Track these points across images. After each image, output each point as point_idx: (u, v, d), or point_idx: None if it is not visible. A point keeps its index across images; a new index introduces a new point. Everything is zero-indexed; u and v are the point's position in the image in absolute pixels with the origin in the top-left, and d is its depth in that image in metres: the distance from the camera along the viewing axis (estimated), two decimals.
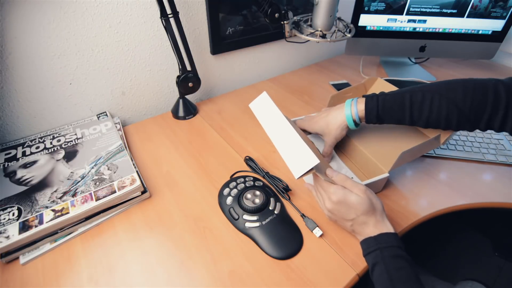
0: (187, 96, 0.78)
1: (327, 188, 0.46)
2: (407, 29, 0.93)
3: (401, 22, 0.92)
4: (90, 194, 0.50)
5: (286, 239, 0.47)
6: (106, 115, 0.72)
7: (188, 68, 0.72)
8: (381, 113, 0.52)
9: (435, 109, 0.48)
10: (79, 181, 0.53)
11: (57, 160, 0.57)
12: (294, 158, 0.46)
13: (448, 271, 0.61)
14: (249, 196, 0.52)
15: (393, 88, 0.62)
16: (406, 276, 0.38)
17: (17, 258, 0.45)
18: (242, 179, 0.56)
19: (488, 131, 0.70)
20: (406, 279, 0.38)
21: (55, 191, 0.51)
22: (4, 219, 0.45)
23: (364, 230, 0.44)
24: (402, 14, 0.90)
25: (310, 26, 0.74)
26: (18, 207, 0.47)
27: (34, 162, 0.57)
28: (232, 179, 0.57)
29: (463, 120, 0.48)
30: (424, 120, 0.50)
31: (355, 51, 0.98)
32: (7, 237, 0.43)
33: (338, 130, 0.57)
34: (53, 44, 0.60)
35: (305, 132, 0.66)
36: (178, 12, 0.64)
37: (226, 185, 0.56)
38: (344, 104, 0.56)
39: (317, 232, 0.48)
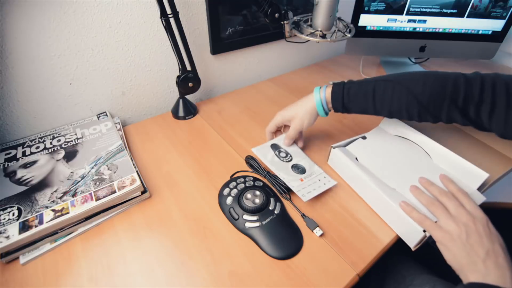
0: (187, 96, 0.78)
1: (474, 206, 0.42)
2: (407, 29, 0.93)
3: (401, 22, 0.92)
4: (90, 194, 0.50)
5: (286, 239, 0.47)
6: (106, 115, 0.72)
7: (188, 68, 0.72)
8: (346, 101, 0.52)
9: (395, 100, 0.49)
10: (79, 181, 0.53)
11: (57, 160, 0.57)
12: (402, 227, 0.48)
13: (450, 271, 0.61)
14: (249, 196, 0.52)
15: None
16: None
17: (17, 258, 0.45)
18: (242, 179, 0.56)
19: None
20: None
21: (55, 191, 0.51)
22: (4, 219, 0.45)
23: (490, 266, 0.37)
24: (402, 14, 0.90)
25: (310, 26, 0.74)
26: (18, 207, 0.47)
27: (34, 162, 0.57)
28: (232, 179, 0.57)
29: (423, 111, 0.48)
30: (387, 110, 0.50)
31: (355, 51, 0.98)
32: (7, 237, 0.43)
33: (306, 115, 0.57)
34: (53, 44, 0.60)
35: (278, 132, 0.67)
36: (178, 12, 0.64)
37: (226, 185, 0.56)
38: (313, 91, 0.57)
39: (318, 232, 0.48)
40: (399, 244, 0.49)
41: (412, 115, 0.49)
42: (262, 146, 0.64)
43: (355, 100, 0.52)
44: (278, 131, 0.67)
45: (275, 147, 0.64)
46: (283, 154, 0.63)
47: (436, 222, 0.43)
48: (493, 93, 0.44)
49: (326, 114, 0.57)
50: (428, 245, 0.46)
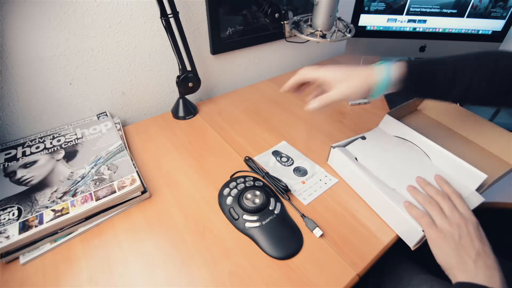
0: (187, 96, 0.78)
1: (465, 206, 0.44)
2: (407, 29, 0.93)
3: (401, 22, 0.92)
4: (90, 194, 0.50)
5: (286, 239, 0.47)
6: (106, 115, 0.72)
7: (188, 68, 0.72)
8: (423, 80, 0.46)
9: (479, 75, 0.44)
10: (79, 181, 0.53)
11: (57, 160, 0.57)
12: (401, 227, 0.48)
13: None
14: (249, 196, 0.52)
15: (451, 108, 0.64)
16: None
17: (17, 258, 0.45)
18: (242, 179, 0.56)
19: None
20: None
21: (55, 191, 0.51)
22: (4, 219, 0.45)
23: (480, 267, 0.38)
24: (402, 14, 0.90)
25: (310, 26, 0.74)
26: (18, 207, 0.47)
27: (34, 162, 0.57)
28: (232, 179, 0.57)
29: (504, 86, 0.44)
30: (464, 87, 0.45)
31: (355, 51, 0.97)
32: (7, 237, 0.43)
33: (363, 85, 0.47)
34: (53, 44, 0.60)
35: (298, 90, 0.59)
36: (178, 12, 0.64)
37: (226, 185, 0.56)
38: (376, 65, 0.48)
39: (317, 232, 0.48)
40: (397, 244, 0.50)
41: (491, 92, 0.45)
42: (264, 154, 0.65)
43: (431, 81, 0.46)
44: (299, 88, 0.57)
45: (276, 153, 0.65)
46: (284, 159, 0.63)
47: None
48: None
49: (380, 95, 0.48)
50: (426, 245, 0.46)
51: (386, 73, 0.47)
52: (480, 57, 0.46)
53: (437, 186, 0.50)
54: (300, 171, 0.61)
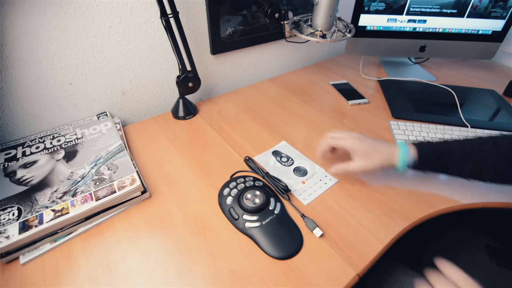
0: (187, 96, 0.78)
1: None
2: (407, 29, 0.93)
3: (401, 22, 0.92)
4: (90, 194, 0.50)
5: (286, 239, 0.47)
6: (106, 115, 0.72)
7: (188, 68, 0.72)
8: (433, 161, 0.52)
9: (483, 158, 0.50)
10: (79, 181, 0.53)
11: (57, 160, 0.57)
12: None
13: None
14: (249, 196, 0.52)
15: None
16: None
17: (17, 258, 0.45)
18: (242, 179, 0.56)
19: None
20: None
21: (55, 191, 0.51)
22: (4, 219, 0.45)
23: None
24: (402, 14, 0.90)
25: (310, 26, 0.74)
26: (18, 207, 0.47)
27: (34, 162, 0.57)
28: (232, 179, 0.57)
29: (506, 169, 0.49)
30: (468, 169, 0.50)
31: (355, 51, 0.98)
32: (7, 237, 0.43)
33: (378, 164, 0.53)
34: (53, 44, 0.60)
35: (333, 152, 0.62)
36: (178, 12, 0.64)
37: (226, 185, 0.56)
38: (396, 144, 0.55)
39: (317, 232, 0.48)
40: (395, 247, 0.50)
41: (497, 174, 0.50)
42: (264, 154, 0.65)
43: (446, 162, 0.52)
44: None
45: (276, 153, 0.65)
46: (284, 159, 0.63)
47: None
48: None
49: (402, 170, 0.53)
50: (427, 245, 0.46)
51: (405, 152, 0.52)
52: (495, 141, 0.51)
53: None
54: (300, 171, 0.61)
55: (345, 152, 0.57)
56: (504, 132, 0.70)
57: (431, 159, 0.52)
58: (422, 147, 0.53)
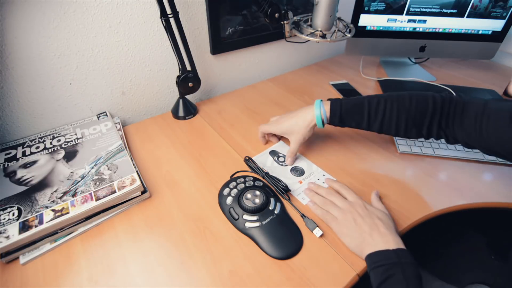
0: (187, 96, 0.78)
1: (356, 196, 0.52)
2: (407, 29, 0.93)
3: (401, 22, 0.92)
4: (90, 194, 0.50)
5: (286, 239, 0.47)
6: (106, 115, 0.72)
7: (188, 68, 0.72)
8: (343, 114, 0.56)
9: (388, 112, 0.53)
10: (79, 181, 0.53)
11: (57, 160, 0.57)
12: None
13: (450, 273, 0.61)
14: (249, 196, 0.52)
15: None
16: None
17: (17, 258, 0.45)
18: (242, 179, 0.56)
19: None
20: None
21: (55, 191, 0.51)
22: (4, 219, 0.45)
23: (376, 237, 0.44)
24: (402, 14, 0.90)
25: (310, 26, 0.74)
26: (18, 207, 0.47)
27: (34, 162, 0.57)
28: (232, 179, 0.57)
29: (410, 124, 0.53)
30: (379, 122, 0.54)
31: (355, 51, 0.98)
32: (7, 237, 0.43)
33: (307, 128, 0.59)
34: (53, 44, 0.60)
35: (272, 137, 0.69)
36: (178, 12, 0.64)
37: (226, 185, 0.56)
38: (312, 106, 0.59)
39: (317, 232, 0.48)
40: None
41: (400, 128, 0.54)
42: (261, 154, 0.65)
43: (351, 114, 0.56)
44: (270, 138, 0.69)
45: (273, 153, 0.65)
46: (281, 159, 0.63)
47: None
48: (460, 111, 0.51)
49: (323, 125, 0.59)
50: (427, 246, 0.46)
51: (317, 111, 0.57)
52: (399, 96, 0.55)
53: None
54: (297, 171, 0.61)
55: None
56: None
57: (342, 113, 0.56)
58: (333, 101, 0.57)
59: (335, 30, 0.74)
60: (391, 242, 0.43)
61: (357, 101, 0.56)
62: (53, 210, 0.47)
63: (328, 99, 0.58)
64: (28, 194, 0.50)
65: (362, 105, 0.55)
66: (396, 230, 0.47)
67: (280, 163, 0.62)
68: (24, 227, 0.44)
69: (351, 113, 0.56)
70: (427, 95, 0.53)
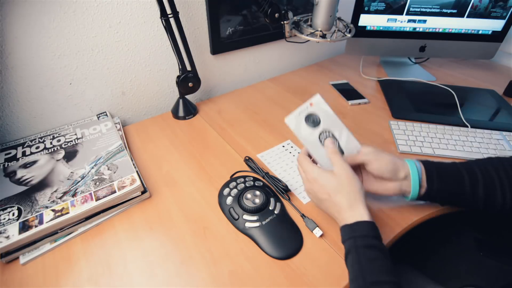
0: (187, 96, 0.78)
1: (306, 167, 0.48)
2: (407, 29, 0.93)
3: (401, 22, 0.92)
4: (90, 194, 0.50)
5: (286, 239, 0.47)
6: (106, 115, 0.72)
7: (188, 68, 0.72)
8: (439, 178, 0.47)
9: (486, 173, 0.47)
10: (79, 181, 0.53)
11: (57, 160, 0.57)
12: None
13: (447, 274, 0.61)
14: (249, 196, 0.52)
15: None
16: (378, 267, 0.38)
17: (17, 258, 0.45)
18: (242, 179, 0.56)
19: (485, 131, 0.70)
20: (378, 270, 0.37)
21: (55, 191, 0.51)
22: (4, 219, 0.45)
23: (340, 214, 0.43)
24: (402, 14, 0.90)
25: (310, 26, 0.74)
26: (18, 207, 0.47)
27: (34, 162, 0.57)
28: (232, 179, 0.57)
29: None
30: (482, 186, 0.46)
31: (355, 51, 0.98)
32: (7, 237, 0.43)
33: (392, 177, 0.48)
34: (53, 44, 0.60)
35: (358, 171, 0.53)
36: (178, 12, 0.64)
37: (226, 185, 0.56)
38: (404, 160, 0.48)
39: (317, 232, 0.48)
40: (397, 252, 0.50)
41: (505, 191, 0.46)
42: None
43: (449, 176, 0.48)
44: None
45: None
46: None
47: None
48: None
49: (413, 197, 0.48)
50: (427, 246, 0.46)
51: (414, 168, 0.48)
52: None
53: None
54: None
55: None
56: (504, 133, 0.70)
57: (438, 176, 0.47)
58: (426, 164, 0.48)
59: (335, 30, 0.74)
60: (349, 217, 0.42)
61: (443, 162, 0.49)
62: (53, 210, 0.47)
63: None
64: (28, 194, 0.50)
65: (453, 164, 0.48)
66: (359, 192, 0.43)
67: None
68: (24, 227, 0.44)
69: (449, 172, 0.47)
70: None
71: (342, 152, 0.50)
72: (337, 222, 0.45)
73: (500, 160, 0.48)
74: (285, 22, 0.73)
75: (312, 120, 0.50)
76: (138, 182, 0.52)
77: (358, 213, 0.42)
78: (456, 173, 0.48)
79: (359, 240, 0.40)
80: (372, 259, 0.38)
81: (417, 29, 0.93)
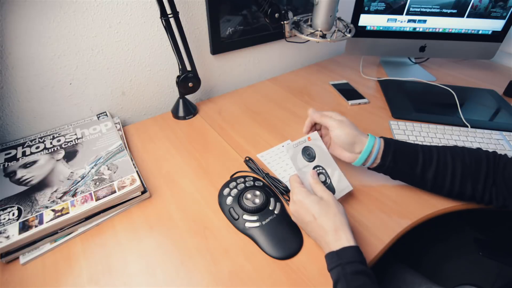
0: (187, 96, 0.78)
1: (294, 188, 0.48)
2: (407, 29, 0.93)
3: (401, 22, 0.92)
4: (90, 194, 0.50)
5: (286, 239, 0.47)
6: (106, 115, 0.72)
7: (188, 68, 0.72)
8: (397, 152, 0.51)
9: (442, 158, 0.50)
10: (79, 181, 0.53)
11: (57, 160, 0.57)
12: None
13: (445, 273, 0.61)
14: (249, 196, 0.52)
15: None
16: None
17: (17, 258, 0.45)
18: (242, 179, 0.56)
19: (487, 131, 0.71)
20: None
21: (55, 191, 0.51)
22: (4, 219, 0.45)
23: (323, 237, 0.43)
24: (402, 14, 0.90)
25: (310, 26, 0.74)
26: (18, 207, 0.47)
27: (34, 162, 0.57)
28: (232, 179, 0.57)
29: (466, 174, 0.49)
30: (434, 167, 0.50)
31: (355, 51, 0.98)
32: (7, 237, 0.43)
33: (348, 149, 0.52)
34: (53, 44, 0.60)
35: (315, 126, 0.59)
36: (178, 12, 0.64)
37: (226, 185, 0.56)
38: (368, 136, 0.52)
39: None
40: (393, 251, 0.49)
41: (455, 177, 0.50)
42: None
43: (405, 153, 0.51)
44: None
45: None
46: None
47: None
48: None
49: (362, 162, 0.52)
50: (427, 246, 0.46)
51: (371, 142, 0.51)
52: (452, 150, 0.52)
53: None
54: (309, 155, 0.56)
55: (324, 131, 0.57)
56: (504, 133, 0.70)
57: (396, 150, 0.51)
58: (387, 139, 0.53)
59: (335, 30, 0.74)
60: (334, 241, 0.42)
61: (408, 143, 0.52)
62: (53, 210, 0.47)
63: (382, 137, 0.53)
64: (28, 194, 0.50)
65: (415, 146, 0.52)
66: (340, 213, 0.44)
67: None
68: (24, 227, 0.44)
69: (406, 153, 0.51)
70: (478, 149, 0.51)
71: (333, 190, 0.52)
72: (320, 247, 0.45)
73: (462, 150, 0.51)
74: (285, 22, 0.73)
75: (308, 154, 0.53)
76: (138, 182, 0.52)
77: (344, 238, 0.41)
78: (412, 154, 0.51)
79: (348, 267, 0.39)
80: (360, 286, 0.38)
81: (417, 29, 0.93)
